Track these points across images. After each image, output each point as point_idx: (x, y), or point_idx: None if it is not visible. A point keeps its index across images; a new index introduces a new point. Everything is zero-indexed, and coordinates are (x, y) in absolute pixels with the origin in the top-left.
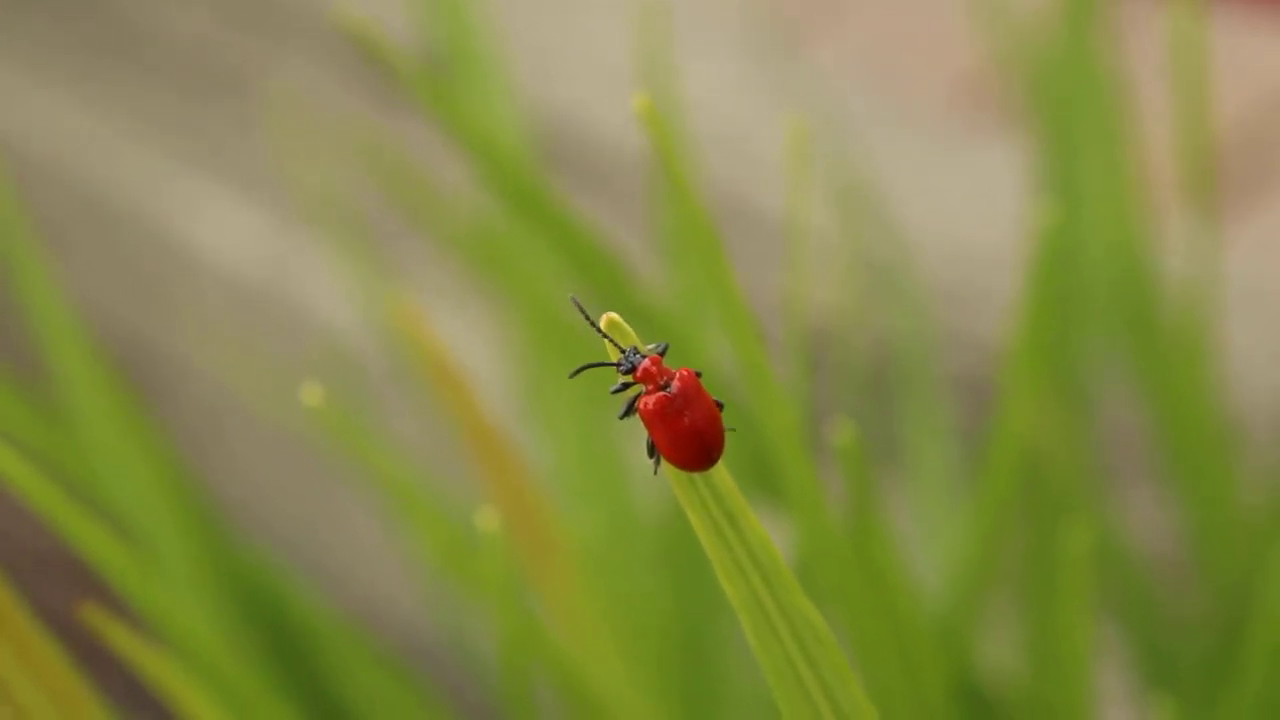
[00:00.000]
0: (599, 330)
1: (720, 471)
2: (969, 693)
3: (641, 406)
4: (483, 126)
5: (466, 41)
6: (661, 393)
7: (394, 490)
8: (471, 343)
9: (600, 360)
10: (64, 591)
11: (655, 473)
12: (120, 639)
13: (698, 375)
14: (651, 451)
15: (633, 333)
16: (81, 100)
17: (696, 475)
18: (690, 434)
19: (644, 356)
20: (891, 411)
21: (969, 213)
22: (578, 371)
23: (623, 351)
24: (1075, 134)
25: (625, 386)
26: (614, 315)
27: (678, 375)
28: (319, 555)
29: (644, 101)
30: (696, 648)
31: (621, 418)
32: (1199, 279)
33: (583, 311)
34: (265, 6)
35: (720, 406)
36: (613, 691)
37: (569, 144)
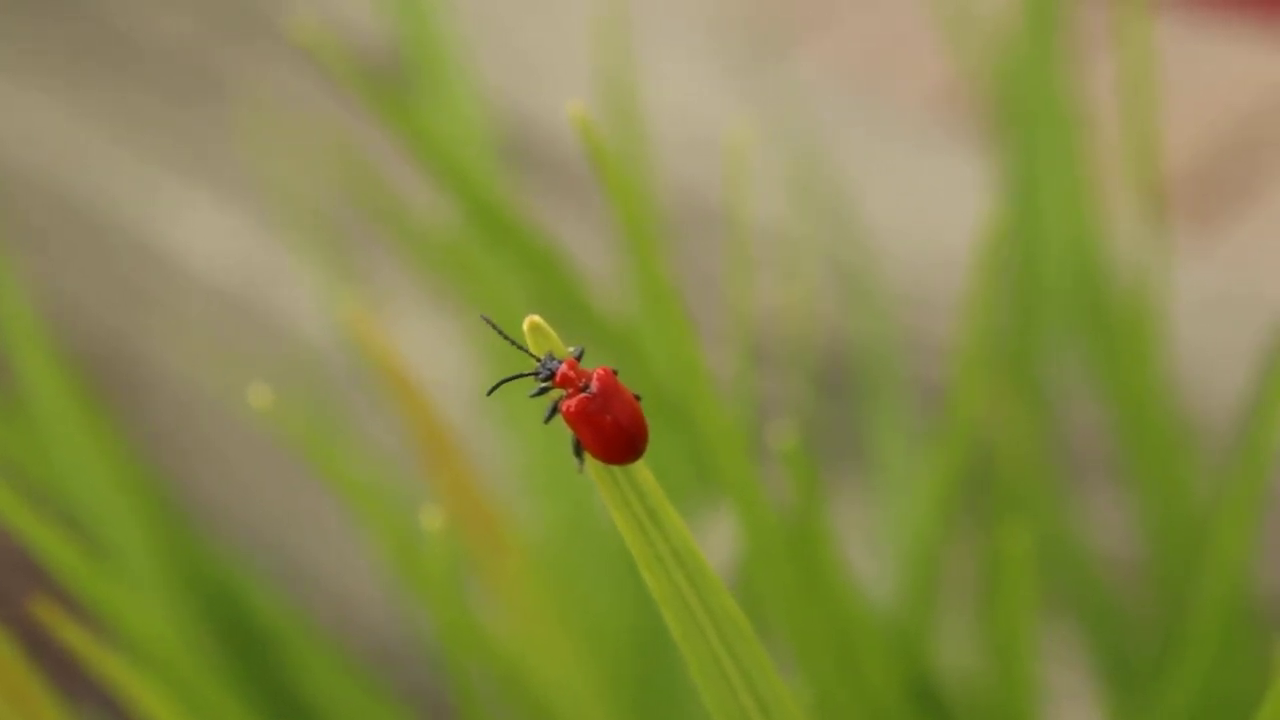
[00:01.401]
0: (514, 343)
1: (641, 469)
2: (918, 692)
3: (564, 409)
4: (440, 138)
5: (434, 44)
6: (582, 394)
7: (345, 489)
8: (442, 348)
9: (517, 373)
10: (32, 592)
11: (580, 470)
12: (73, 636)
13: (614, 372)
14: (577, 450)
15: (554, 335)
16: (60, 103)
17: (619, 473)
18: (614, 430)
19: (560, 361)
20: (857, 415)
21: (942, 219)
22: (495, 388)
23: (538, 360)
24: (1038, 142)
25: (543, 391)
26: (537, 319)
27: (595, 375)
28: (296, 556)
29: (578, 108)
30: (651, 647)
31: (546, 421)
32: (1156, 282)
33: (495, 328)
34: (247, 12)
35: (638, 398)
36: (560, 689)
37: (540, 146)
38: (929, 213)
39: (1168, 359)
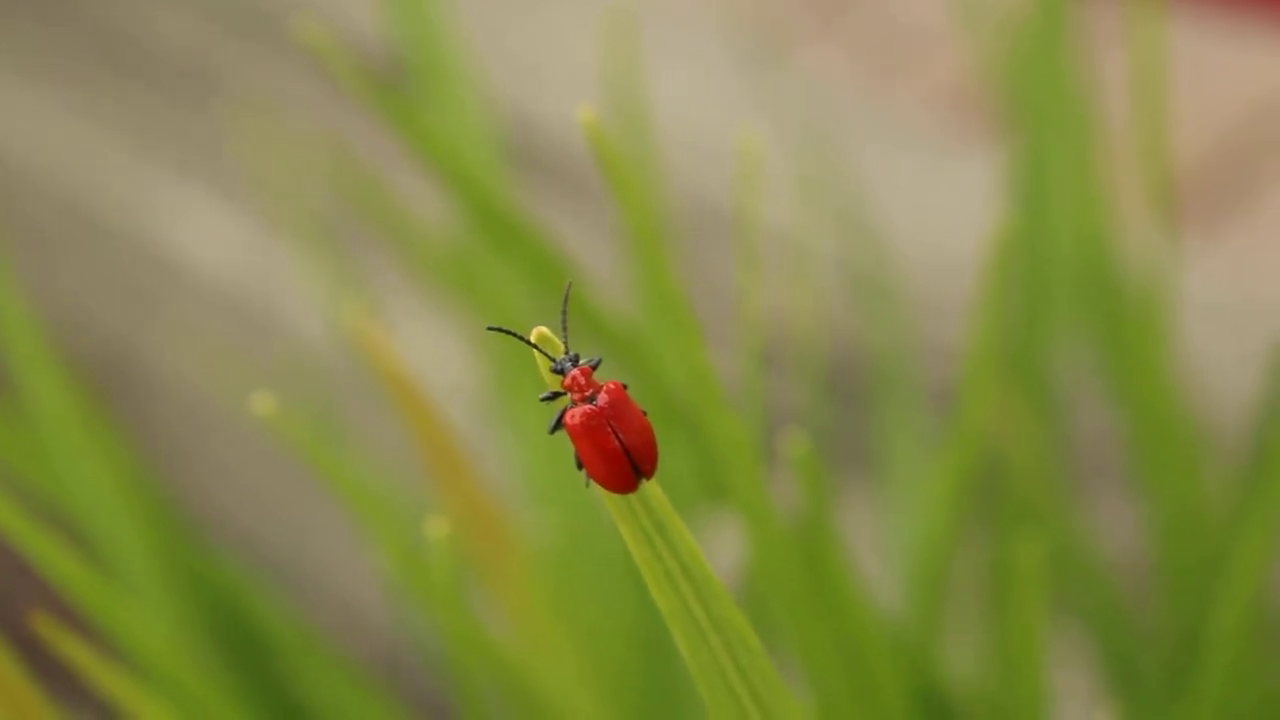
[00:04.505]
0: (527, 342)
1: (649, 483)
2: (926, 700)
3: (568, 420)
4: (445, 143)
5: (436, 47)
6: (588, 405)
7: (348, 495)
8: (442, 351)
9: (529, 342)
10: (31, 597)
11: (587, 485)
12: (74, 649)
13: (624, 388)
14: (580, 465)
15: (561, 346)
16: (62, 105)
17: None
18: (616, 455)
19: (574, 364)
20: (870, 421)
21: (951, 222)
22: (497, 329)
23: (553, 360)
24: (1048, 144)
25: (554, 396)
26: (544, 329)
27: (605, 388)
28: (300, 560)
29: (588, 113)
30: (655, 654)
31: (551, 432)
32: (1166, 287)
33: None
34: (249, 13)
35: (644, 414)
36: (564, 696)
37: (545, 148)
38: (938, 215)
39: (1178, 363)
